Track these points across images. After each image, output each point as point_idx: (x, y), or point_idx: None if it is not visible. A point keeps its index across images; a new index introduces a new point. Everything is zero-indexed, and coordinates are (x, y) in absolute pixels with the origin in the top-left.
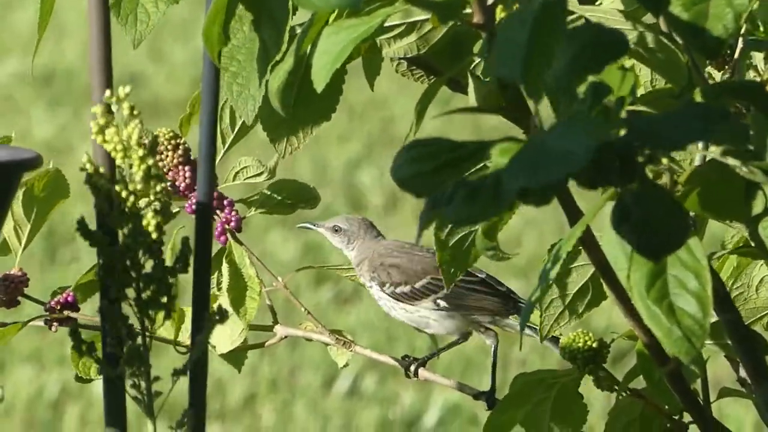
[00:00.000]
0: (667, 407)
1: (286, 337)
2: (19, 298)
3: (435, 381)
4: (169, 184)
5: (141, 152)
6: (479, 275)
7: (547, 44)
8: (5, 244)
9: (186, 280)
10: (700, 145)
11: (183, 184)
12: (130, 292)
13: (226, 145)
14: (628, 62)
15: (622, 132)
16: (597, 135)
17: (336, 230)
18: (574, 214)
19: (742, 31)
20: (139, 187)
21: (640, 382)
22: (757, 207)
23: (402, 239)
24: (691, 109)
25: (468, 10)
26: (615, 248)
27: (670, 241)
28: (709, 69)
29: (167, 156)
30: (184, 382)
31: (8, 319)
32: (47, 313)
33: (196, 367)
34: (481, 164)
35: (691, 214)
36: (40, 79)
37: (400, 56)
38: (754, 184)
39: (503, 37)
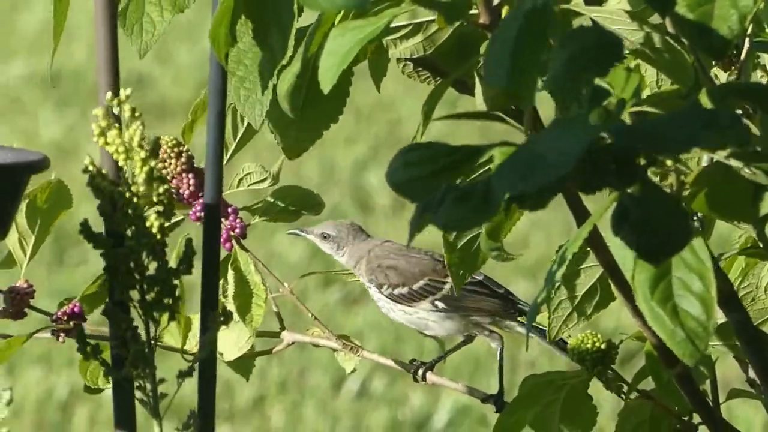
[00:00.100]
0: (676, 408)
1: (293, 343)
2: (26, 309)
3: (443, 385)
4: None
5: (143, 154)
6: (477, 277)
7: (532, 50)
8: (10, 256)
9: (191, 287)
10: None
11: (187, 192)
12: (135, 294)
13: (231, 150)
14: (633, 63)
15: (620, 135)
16: (584, 139)
17: (324, 237)
18: (581, 214)
19: (748, 32)
20: (141, 189)
21: (649, 384)
22: (765, 208)
23: (405, 240)
24: (691, 113)
25: (474, 11)
26: (622, 248)
27: (670, 244)
28: (716, 70)
29: (170, 164)
30: (193, 384)
31: (17, 325)
32: (54, 324)
33: (205, 369)
34: (483, 165)
35: (699, 214)
36: (47, 80)
37: (407, 57)
38: (762, 185)
39: (494, 41)
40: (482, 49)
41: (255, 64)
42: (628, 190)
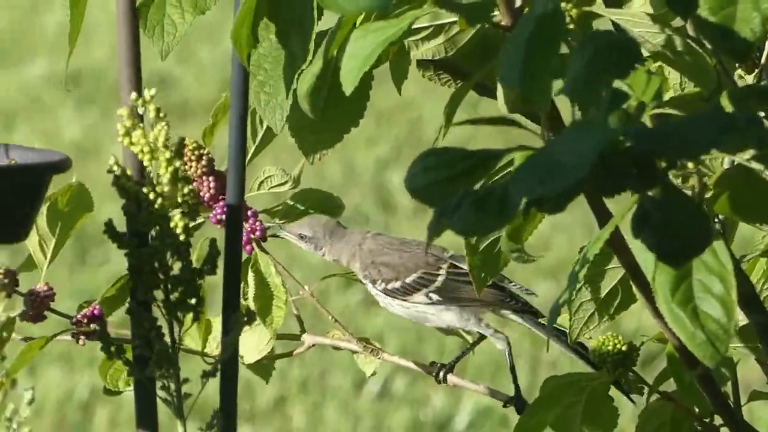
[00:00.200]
0: (697, 410)
1: (313, 345)
2: (45, 312)
3: (464, 386)
4: None
5: (168, 154)
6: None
7: (543, 54)
8: (31, 259)
9: (211, 289)
10: None
11: (207, 195)
12: (159, 294)
13: (251, 152)
14: (655, 65)
15: (638, 139)
16: (600, 141)
17: (302, 237)
18: (603, 216)
19: None
20: (166, 189)
21: (670, 385)
22: None
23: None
24: (710, 117)
25: (496, 13)
26: (644, 250)
27: (691, 247)
28: (741, 72)
29: (191, 166)
30: (214, 384)
31: (38, 327)
32: (74, 326)
33: (227, 369)
34: (503, 169)
35: (721, 217)
36: (68, 79)
37: (428, 58)
38: None
39: (508, 45)
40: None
41: (275, 69)
42: (649, 193)
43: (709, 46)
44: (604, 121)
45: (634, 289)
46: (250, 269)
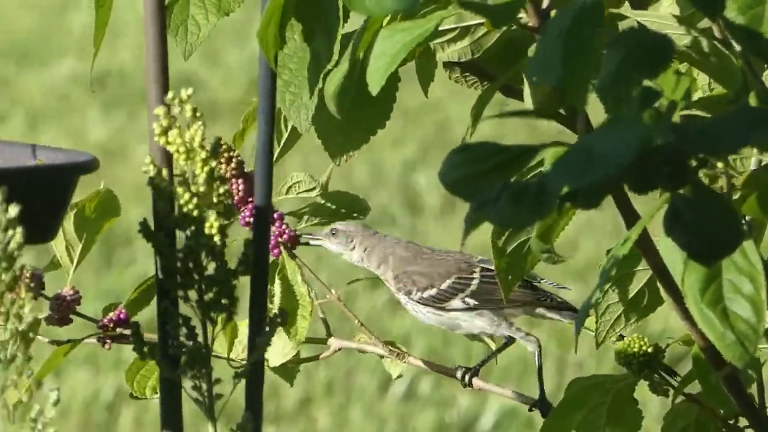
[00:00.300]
0: (722, 411)
1: (339, 349)
2: (71, 316)
3: (489, 390)
4: None
5: (204, 154)
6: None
7: (583, 50)
8: (55, 258)
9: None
10: (754, 149)
11: (236, 197)
12: (192, 294)
13: (276, 153)
14: (683, 67)
15: (671, 136)
16: (641, 136)
17: (333, 234)
18: (630, 217)
19: None
20: (201, 189)
21: (695, 387)
22: None
23: (459, 241)
24: (741, 114)
25: (521, 15)
26: (672, 251)
27: (723, 245)
28: None
29: (221, 168)
30: (239, 385)
31: (64, 329)
32: (100, 330)
33: (254, 370)
34: (533, 168)
35: (748, 218)
36: (94, 81)
37: (454, 61)
38: None
39: (542, 41)
40: (530, 53)
41: (300, 68)
42: (680, 192)
43: (737, 47)
44: (638, 118)
45: (662, 291)
46: (276, 275)
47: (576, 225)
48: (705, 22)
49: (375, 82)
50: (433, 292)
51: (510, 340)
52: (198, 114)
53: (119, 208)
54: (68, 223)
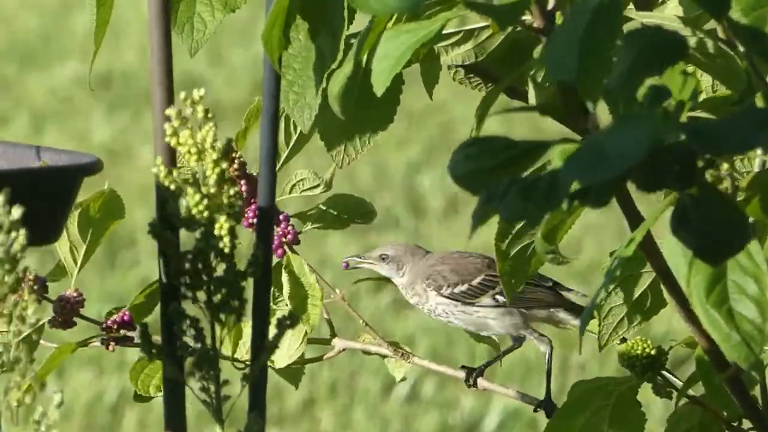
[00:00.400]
0: (725, 414)
1: (344, 349)
2: (75, 318)
3: (494, 390)
4: None
5: (215, 155)
6: None
7: (601, 45)
8: (60, 263)
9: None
10: (759, 150)
11: None
12: (201, 296)
13: (284, 156)
14: (690, 68)
15: (681, 136)
16: (653, 134)
17: (383, 258)
18: (634, 218)
19: None
20: (212, 190)
21: (698, 389)
22: None
23: (462, 243)
24: (749, 115)
25: (527, 16)
26: (676, 253)
27: (729, 245)
28: None
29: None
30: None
31: (68, 330)
32: (104, 332)
33: (257, 372)
34: (540, 164)
35: (752, 219)
36: (98, 82)
37: (458, 64)
38: None
39: (557, 38)
40: (536, 54)
41: (304, 68)
42: (687, 192)
43: (741, 48)
44: (650, 115)
45: (665, 293)
46: (283, 270)
47: (579, 227)
48: (709, 25)
49: (380, 84)
50: (464, 287)
51: (517, 343)
52: (210, 115)
53: (123, 209)
54: (72, 224)
